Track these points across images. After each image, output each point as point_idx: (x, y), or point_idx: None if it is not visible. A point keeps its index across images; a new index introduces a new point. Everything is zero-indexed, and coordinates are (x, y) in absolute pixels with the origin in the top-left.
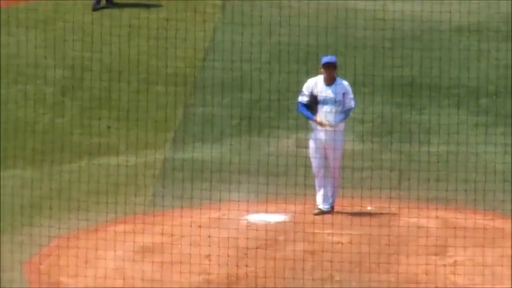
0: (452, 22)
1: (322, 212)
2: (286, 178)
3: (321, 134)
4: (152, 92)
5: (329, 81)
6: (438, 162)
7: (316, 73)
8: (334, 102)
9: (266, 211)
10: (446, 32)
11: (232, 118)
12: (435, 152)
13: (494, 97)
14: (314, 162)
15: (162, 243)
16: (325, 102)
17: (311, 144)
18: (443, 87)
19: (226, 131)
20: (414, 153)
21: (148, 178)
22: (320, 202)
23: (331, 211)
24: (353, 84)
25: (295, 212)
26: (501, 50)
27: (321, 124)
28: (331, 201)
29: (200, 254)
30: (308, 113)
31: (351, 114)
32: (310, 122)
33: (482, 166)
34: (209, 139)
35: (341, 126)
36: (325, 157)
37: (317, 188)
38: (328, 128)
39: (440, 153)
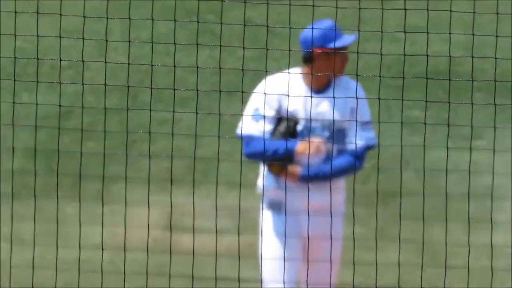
0: None
1: None
2: None
3: (294, 202)
4: None
5: (322, 83)
6: None
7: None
8: (339, 133)
9: None
10: None
11: (12, 154)
12: (506, 248)
13: None
14: (274, 271)
15: None
16: (311, 132)
17: (271, 225)
18: None
19: None
20: (455, 247)
21: None
22: None
23: None
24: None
25: None
26: None
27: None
28: None
29: None
30: (281, 144)
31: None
32: (271, 189)
33: None
34: None
35: (340, 184)
36: (305, 260)
37: None
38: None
39: None
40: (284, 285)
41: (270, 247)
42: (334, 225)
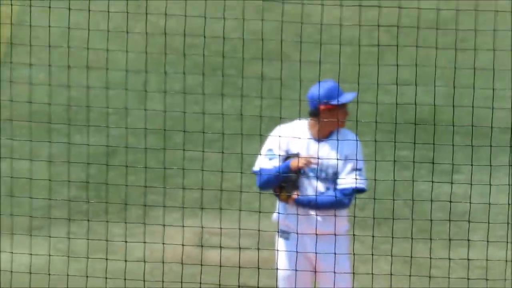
0: None
1: None
2: None
3: (304, 240)
4: None
5: (324, 132)
6: (486, 280)
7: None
8: (334, 175)
9: None
10: (507, 14)
11: (68, 185)
12: (480, 261)
13: None
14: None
15: None
16: (313, 174)
17: (282, 249)
18: (498, 129)
19: (55, 212)
20: (438, 261)
21: None
22: None
23: None
24: None
25: None
26: None
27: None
28: None
29: None
30: (282, 165)
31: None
32: (282, 219)
33: None
34: (22, 228)
35: (344, 220)
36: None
37: None
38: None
39: (491, 263)
40: None
41: (283, 267)
42: (338, 249)
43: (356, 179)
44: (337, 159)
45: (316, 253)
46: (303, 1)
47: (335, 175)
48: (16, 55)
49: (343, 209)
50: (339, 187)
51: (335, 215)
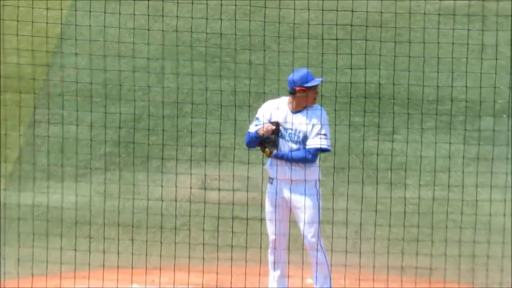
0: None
1: None
2: (188, 235)
3: (281, 185)
4: None
5: (299, 106)
6: (418, 213)
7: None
8: (304, 138)
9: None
10: (433, 16)
11: (105, 144)
12: (413, 199)
13: (505, 116)
14: (270, 227)
15: None
16: (288, 137)
17: (268, 190)
18: (426, 101)
19: (95, 163)
20: (382, 199)
21: None
22: (274, 285)
23: None
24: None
25: None
26: None
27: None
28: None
29: None
30: (253, 133)
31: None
32: (268, 169)
33: (484, 221)
34: (69, 175)
35: (314, 171)
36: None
37: (270, 266)
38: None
39: (421, 201)
40: (275, 223)
41: (267, 203)
42: (308, 190)
43: (320, 140)
44: (306, 124)
45: (290, 194)
46: (280, 7)
47: (305, 137)
48: (65, 47)
49: (309, 163)
50: (307, 147)
51: (305, 167)
